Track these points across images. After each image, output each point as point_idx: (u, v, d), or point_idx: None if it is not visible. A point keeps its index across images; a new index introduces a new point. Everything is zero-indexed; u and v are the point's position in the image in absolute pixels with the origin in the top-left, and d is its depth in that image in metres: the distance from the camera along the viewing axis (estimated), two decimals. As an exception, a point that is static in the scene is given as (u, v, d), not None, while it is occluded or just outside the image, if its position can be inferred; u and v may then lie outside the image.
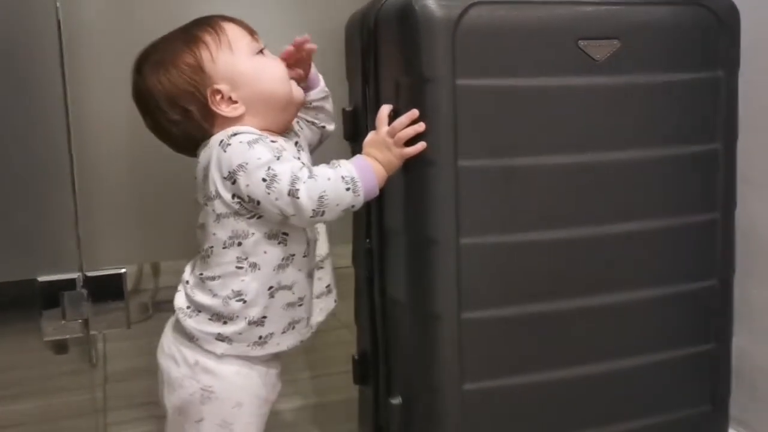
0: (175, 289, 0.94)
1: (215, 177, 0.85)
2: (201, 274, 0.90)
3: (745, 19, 1.00)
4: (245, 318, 0.88)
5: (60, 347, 1.69)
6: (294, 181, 0.83)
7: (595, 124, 0.94)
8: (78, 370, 1.62)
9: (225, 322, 0.89)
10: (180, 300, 0.92)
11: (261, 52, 0.92)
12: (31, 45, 1.30)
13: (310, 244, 0.92)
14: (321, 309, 0.98)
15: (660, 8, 0.97)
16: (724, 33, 0.98)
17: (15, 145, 1.33)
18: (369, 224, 1.02)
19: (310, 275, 0.93)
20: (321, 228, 0.97)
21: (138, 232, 1.48)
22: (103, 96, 1.38)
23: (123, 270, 1.41)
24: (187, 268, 0.94)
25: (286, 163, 0.85)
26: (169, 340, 0.93)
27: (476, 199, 0.90)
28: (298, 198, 0.83)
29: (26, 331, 1.76)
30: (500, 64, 0.89)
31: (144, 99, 0.91)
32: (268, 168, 0.83)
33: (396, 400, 0.97)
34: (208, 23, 0.91)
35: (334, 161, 0.89)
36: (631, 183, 0.97)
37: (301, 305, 0.92)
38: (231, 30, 0.91)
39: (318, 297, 0.97)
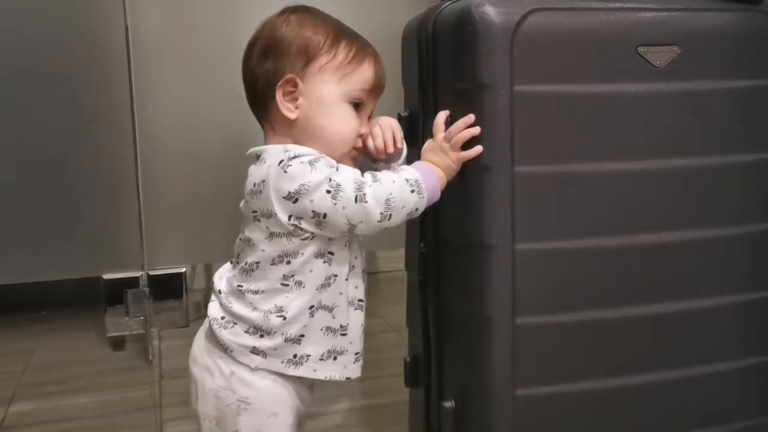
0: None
1: (272, 197, 0.84)
2: (240, 286, 0.89)
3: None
4: (282, 334, 0.88)
5: (117, 344, 1.74)
6: (360, 186, 0.84)
7: (655, 130, 0.93)
8: (135, 366, 1.66)
9: (262, 336, 0.88)
10: (214, 310, 0.91)
11: (358, 105, 0.90)
12: (100, 54, 1.35)
13: (353, 269, 0.92)
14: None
15: (720, 15, 0.95)
16: (787, 39, 0.97)
17: (83, 149, 1.38)
18: (423, 228, 1.03)
19: (353, 305, 0.92)
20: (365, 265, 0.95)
21: (196, 234, 1.52)
22: (167, 103, 1.42)
23: (183, 269, 1.45)
24: (219, 278, 0.94)
25: (345, 172, 0.86)
26: (201, 350, 0.92)
27: (532, 205, 0.91)
28: (366, 202, 0.83)
29: (86, 328, 1.82)
30: (559, 70, 0.90)
31: (263, 26, 0.91)
32: (330, 180, 0.83)
33: (449, 404, 0.98)
34: (356, 46, 0.90)
35: (395, 166, 0.90)
36: (690, 191, 0.96)
37: (344, 335, 0.91)
38: (364, 71, 0.90)
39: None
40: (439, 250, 1.00)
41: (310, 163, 0.84)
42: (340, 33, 0.90)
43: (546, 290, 0.93)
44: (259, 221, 0.87)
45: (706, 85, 0.95)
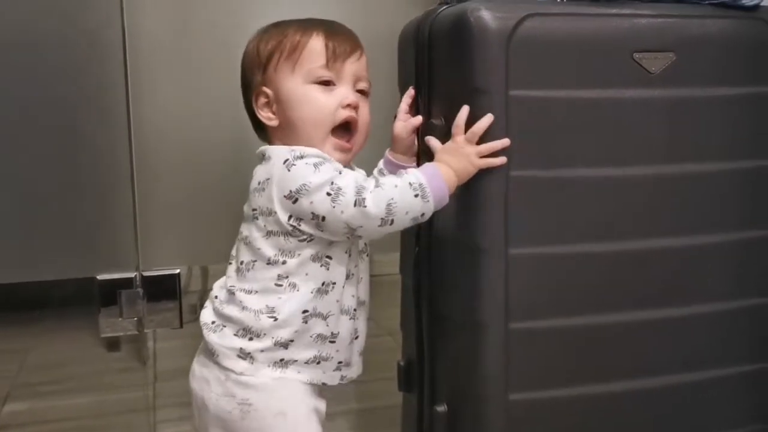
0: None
1: (274, 194, 0.84)
2: (233, 286, 0.88)
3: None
4: (272, 337, 0.86)
5: (113, 345, 1.74)
6: (360, 191, 0.83)
7: (649, 136, 0.93)
8: (129, 368, 1.66)
9: (251, 339, 0.86)
10: (206, 315, 0.90)
11: (325, 83, 0.88)
12: (96, 53, 1.35)
13: (351, 277, 0.90)
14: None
15: (716, 21, 0.96)
16: (783, 47, 0.97)
17: (78, 149, 1.38)
18: (418, 232, 1.02)
19: (347, 314, 0.90)
20: (365, 274, 0.93)
21: (192, 235, 1.52)
22: (164, 102, 1.43)
23: (178, 270, 1.45)
24: (219, 287, 0.92)
25: (348, 176, 0.85)
26: (198, 364, 0.91)
27: (527, 209, 0.90)
28: (365, 207, 0.82)
29: (81, 328, 1.82)
30: (554, 75, 0.90)
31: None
32: (332, 183, 0.83)
33: (441, 408, 0.97)
34: (302, 31, 0.90)
35: (402, 171, 0.88)
36: (684, 197, 0.96)
37: (332, 342, 0.89)
38: (311, 47, 0.88)
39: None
40: (433, 254, 1.00)
41: (315, 165, 0.84)
42: (287, 27, 0.90)
43: (539, 295, 0.93)
44: (257, 219, 0.87)
45: (701, 92, 0.95)
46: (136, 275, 1.45)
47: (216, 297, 0.91)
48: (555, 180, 0.91)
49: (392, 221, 0.84)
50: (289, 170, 0.84)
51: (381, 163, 1.00)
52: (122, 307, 1.45)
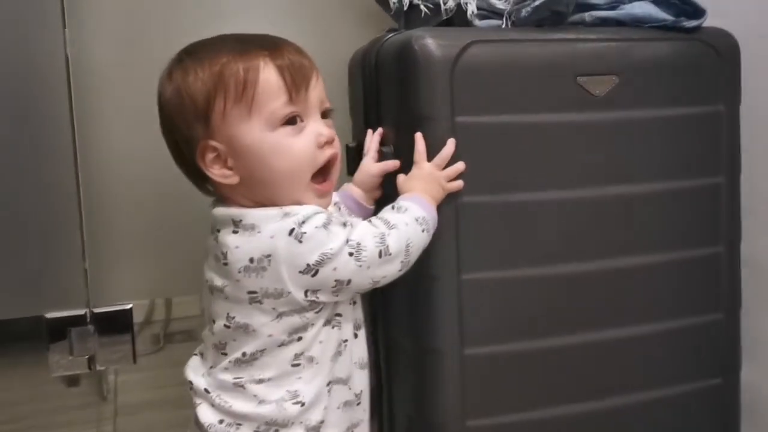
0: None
1: (284, 273, 0.73)
2: (239, 377, 0.77)
3: (745, 53, 1.00)
4: (302, 423, 0.77)
5: (72, 380, 1.69)
6: (382, 239, 0.76)
7: (595, 159, 0.94)
8: (89, 403, 1.62)
9: (277, 431, 0.77)
10: (206, 414, 0.78)
11: (292, 120, 0.76)
12: (38, 82, 1.33)
13: (359, 327, 0.85)
14: None
15: (658, 44, 0.97)
16: (723, 67, 0.98)
17: (22, 181, 1.35)
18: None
19: (361, 366, 0.84)
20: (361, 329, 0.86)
21: (146, 269, 1.50)
22: (110, 132, 1.41)
23: (129, 306, 1.42)
24: (194, 374, 0.81)
25: (359, 226, 0.78)
26: None
27: (477, 234, 0.90)
28: (390, 254, 0.76)
29: (37, 365, 1.77)
30: (499, 101, 0.90)
31: (158, 94, 0.79)
32: (348, 240, 0.75)
33: (399, 437, 0.97)
34: (242, 60, 0.74)
35: (394, 205, 0.83)
36: (632, 218, 0.96)
37: (359, 404, 0.83)
38: (266, 82, 0.74)
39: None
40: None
41: (324, 226, 0.74)
42: (219, 61, 0.75)
43: (493, 320, 0.92)
44: (261, 303, 0.75)
45: (645, 114, 0.96)
46: (86, 312, 1.43)
47: (207, 391, 0.79)
48: (504, 204, 0.91)
49: (409, 262, 0.80)
50: (301, 241, 0.73)
51: (337, 196, 0.90)
52: (72, 344, 1.42)
